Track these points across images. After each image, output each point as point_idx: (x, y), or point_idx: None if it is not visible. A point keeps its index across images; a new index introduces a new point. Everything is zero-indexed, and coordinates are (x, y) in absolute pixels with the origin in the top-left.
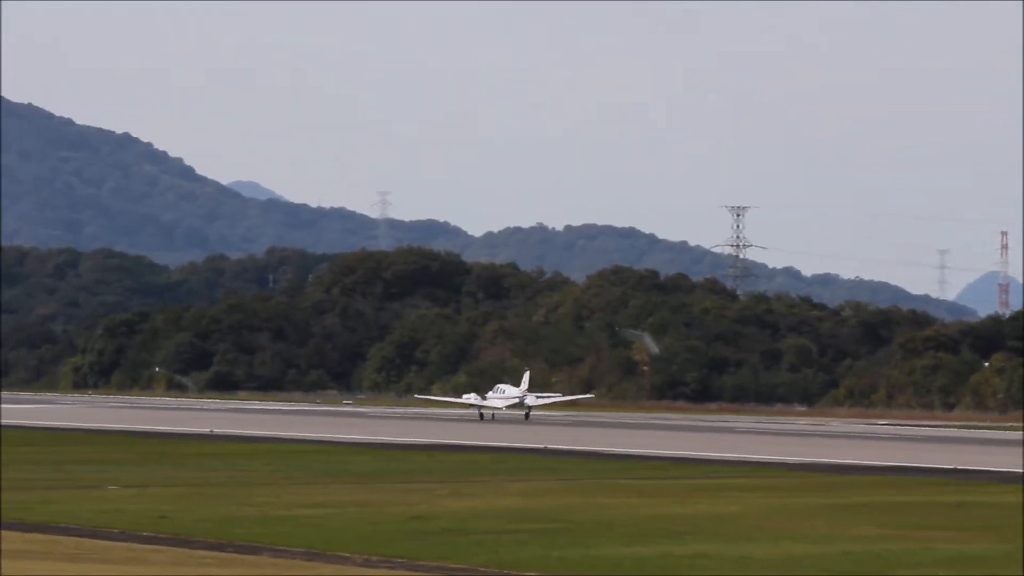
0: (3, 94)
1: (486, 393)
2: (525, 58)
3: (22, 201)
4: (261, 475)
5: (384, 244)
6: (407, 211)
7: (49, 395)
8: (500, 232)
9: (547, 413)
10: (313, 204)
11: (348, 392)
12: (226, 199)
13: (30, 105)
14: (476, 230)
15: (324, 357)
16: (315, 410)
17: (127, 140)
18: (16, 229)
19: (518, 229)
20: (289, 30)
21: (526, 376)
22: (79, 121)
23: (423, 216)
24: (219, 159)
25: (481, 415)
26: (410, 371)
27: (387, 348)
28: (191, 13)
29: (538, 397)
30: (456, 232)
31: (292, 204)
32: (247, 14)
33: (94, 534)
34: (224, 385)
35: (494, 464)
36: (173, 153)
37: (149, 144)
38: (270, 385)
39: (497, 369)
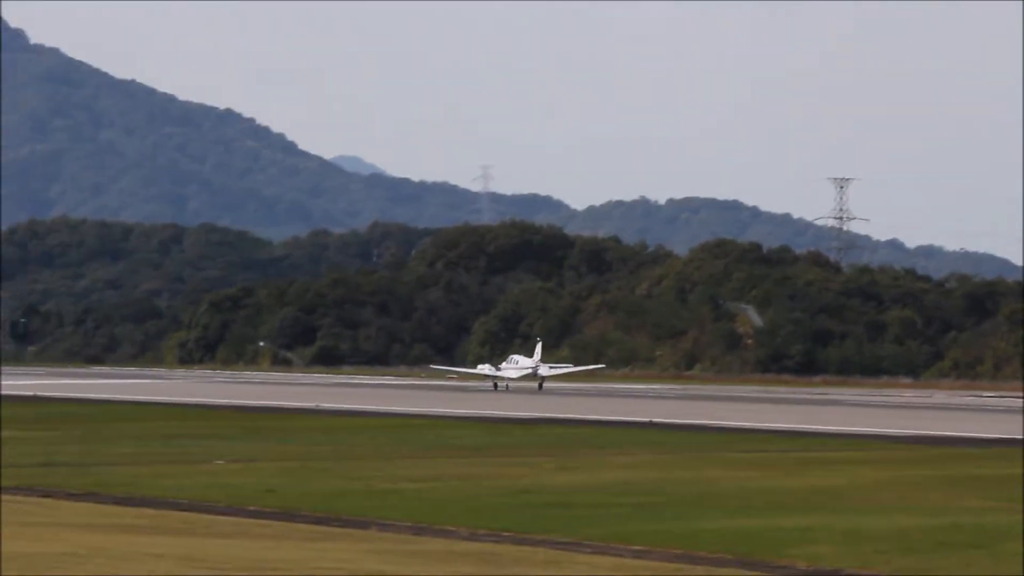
0: (107, 70)
1: (500, 364)
2: (622, 29)
3: (126, 177)
4: (366, 449)
5: (487, 218)
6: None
7: (155, 370)
8: (602, 205)
9: (649, 386)
10: (415, 179)
11: (452, 366)
12: (329, 174)
13: (133, 81)
14: (579, 204)
15: (428, 331)
16: (419, 384)
17: (229, 116)
18: (121, 205)
19: (620, 203)
20: (390, 3)
21: (538, 347)
22: (181, 97)
23: (525, 190)
24: (322, 134)
25: (495, 385)
26: (514, 345)
27: (491, 322)
28: None
29: (551, 368)
30: (558, 206)
31: (394, 179)
32: None
33: (202, 508)
34: (329, 359)
35: (598, 437)
36: (276, 128)
37: (251, 119)
38: (375, 359)
39: (600, 342)
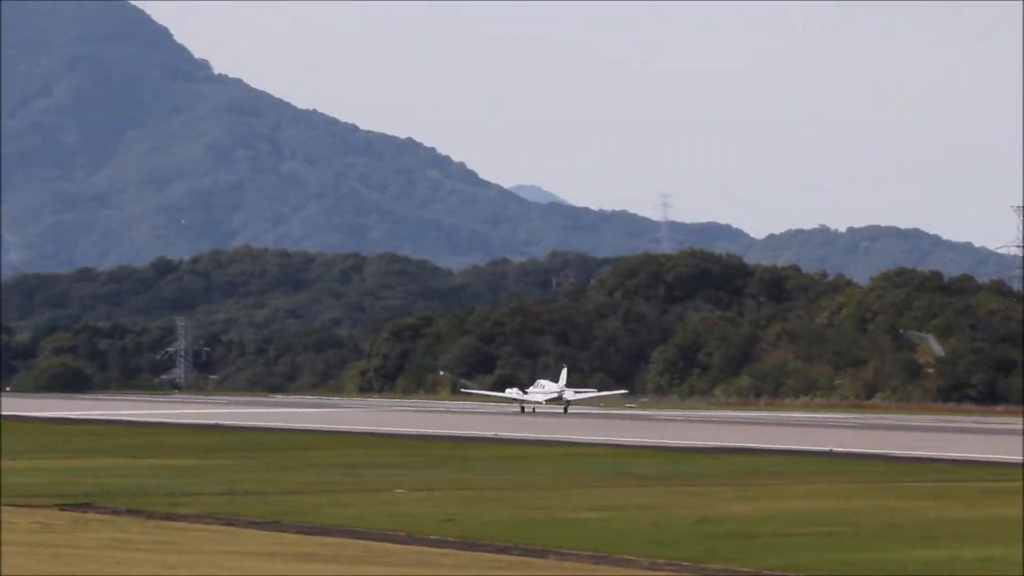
0: (290, 101)
1: (527, 389)
2: (803, 57)
3: (308, 206)
4: (546, 478)
5: (666, 247)
6: (689, 213)
7: (335, 399)
8: (782, 234)
9: (829, 415)
10: (595, 207)
11: (631, 395)
12: (508, 203)
13: (315, 111)
14: (758, 232)
15: (607, 360)
16: (597, 413)
17: (411, 145)
18: (302, 234)
19: (800, 231)
20: (570, 32)
21: (563, 373)
22: (363, 127)
23: (705, 219)
24: (502, 163)
25: (522, 408)
26: (692, 374)
27: (670, 351)
28: (472, 17)
29: (576, 392)
30: (738, 234)
31: (574, 207)
32: (525, 16)
33: (382, 537)
34: (508, 387)
35: (779, 467)
36: (456, 158)
37: (432, 149)
38: None
39: (779, 371)
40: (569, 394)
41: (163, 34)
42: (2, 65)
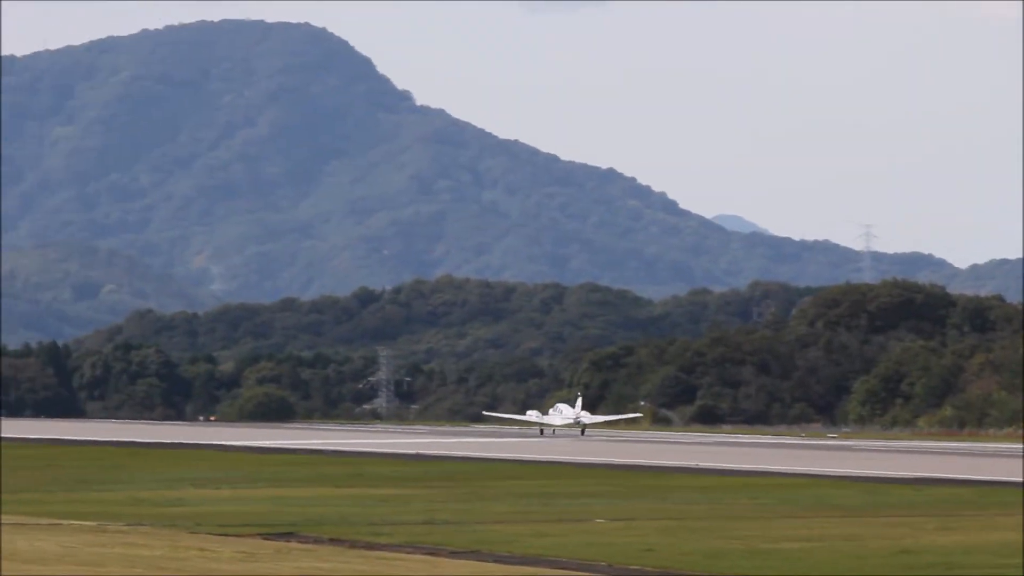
0: (492, 131)
1: (547, 411)
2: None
3: (509, 236)
4: (746, 508)
5: (868, 277)
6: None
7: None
8: (986, 264)
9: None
10: (796, 237)
11: (832, 425)
12: (709, 232)
13: (516, 141)
14: (961, 262)
15: (808, 390)
16: (799, 443)
17: (612, 175)
18: (503, 264)
19: (1004, 260)
20: (770, 65)
21: (579, 399)
22: (564, 157)
23: (907, 248)
24: (702, 193)
25: (542, 431)
26: (895, 404)
27: (872, 381)
28: (672, 51)
29: (592, 416)
30: (941, 264)
31: (775, 237)
32: (722, 50)
33: (581, 567)
34: (708, 418)
35: (982, 498)
36: (657, 188)
37: (633, 179)
38: (754, 418)
39: (984, 402)
40: (587, 418)
41: (366, 65)
42: (208, 97)
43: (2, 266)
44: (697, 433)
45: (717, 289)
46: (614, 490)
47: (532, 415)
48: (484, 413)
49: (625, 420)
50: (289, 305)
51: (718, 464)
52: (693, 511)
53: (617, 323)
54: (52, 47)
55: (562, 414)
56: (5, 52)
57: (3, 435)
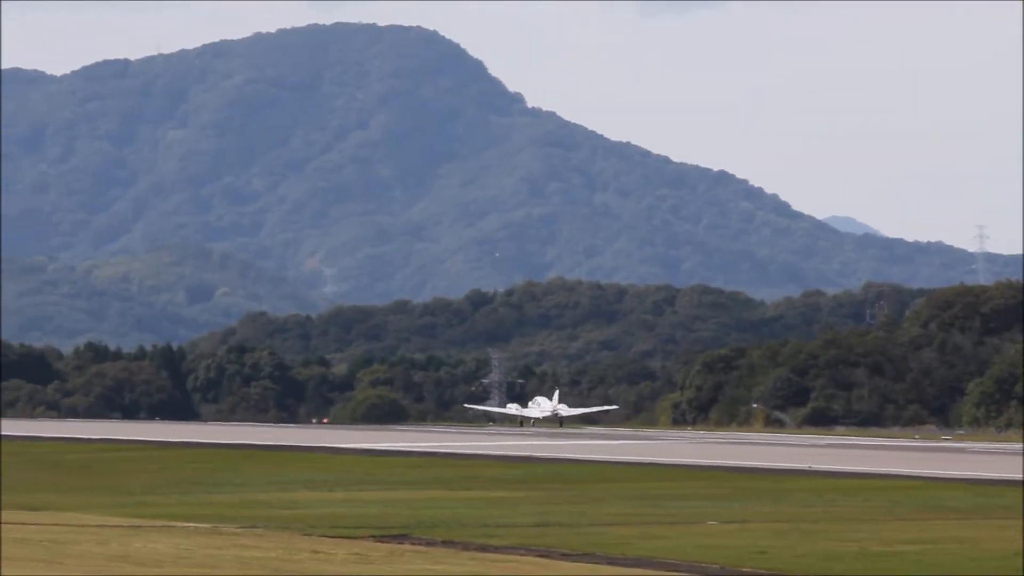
0: (602, 132)
1: (527, 404)
2: None
3: (620, 239)
4: (859, 510)
5: (982, 278)
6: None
7: (648, 431)
8: None
9: None
10: (909, 239)
11: (946, 428)
12: (822, 234)
13: (628, 143)
14: None
15: (921, 392)
16: (912, 446)
17: (723, 177)
18: (615, 266)
19: None
20: (884, 66)
21: (556, 393)
22: (676, 159)
23: (1021, 250)
24: (815, 194)
25: (521, 423)
26: (1010, 406)
27: (986, 383)
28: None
29: (568, 409)
30: None
31: (888, 239)
32: (836, 54)
33: (694, 569)
34: (821, 420)
35: None
36: (769, 189)
37: (745, 181)
38: (867, 420)
39: None
40: (564, 410)
41: (478, 68)
42: (321, 100)
43: (117, 269)
44: (810, 435)
45: (830, 291)
46: (727, 492)
47: (512, 408)
48: (466, 406)
49: (600, 412)
50: (402, 308)
51: (831, 466)
52: (807, 513)
53: (729, 325)
54: (166, 51)
55: (540, 407)
56: (120, 56)
57: (119, 438)
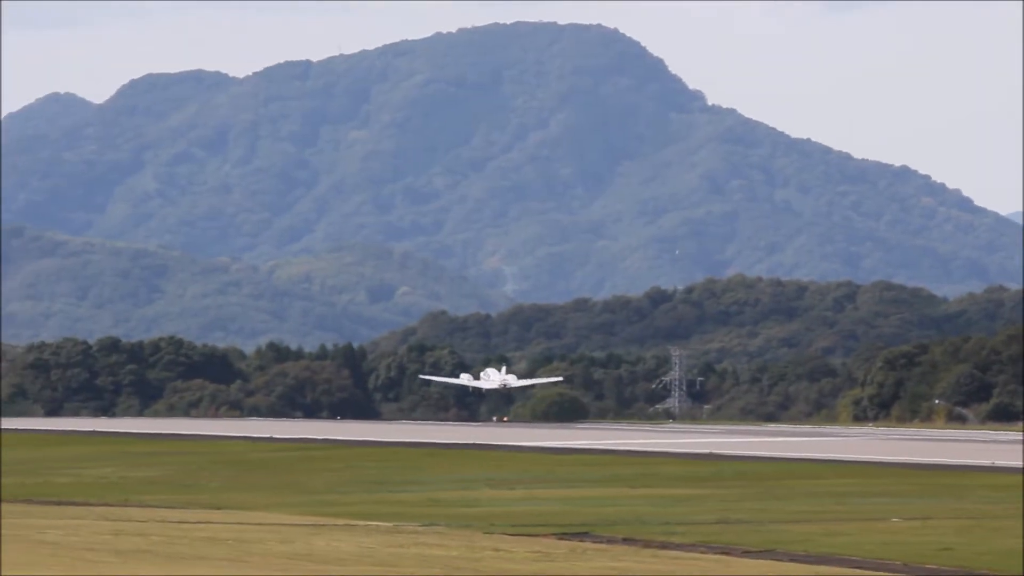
0: (784, 130)
1: (478, 375)
2: None
3: (801, 236)
4: None
5: None
6: None
7: (829, 427)
8: None
9: None
10: None
11: None
12: (1005, 230)
13: (809, 140)
14: None
15: None
16: None
17: (905, 172)
18: (795, 263)
19: None
20: None
21: (504, 366)
22: (857, 155)
23: None
24: (999, 189)
25: (472, 391)
26: None
27: None
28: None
29: (516, 380)
30: None
31: None
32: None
33: (877, 566)
34: (1005, 416)
35: None
36: (951, 185)
37: (927, 177)
38: None
39: None
40: (512, 381)
41: (658, 66)
42: (501, 99)
43: (299, 270)
44: (993, 431)
45: (1013, 287)
46: (910, 489)
47: (465, 378)
48: (421, 377)
49: (547, 384)
50: (581, 305)
51: (1016, 463)
52: (991, 510)
53: (911, 321)
54: (347, 52)
55: (490, 378)
56: (302, 57)
57: (302, 437)
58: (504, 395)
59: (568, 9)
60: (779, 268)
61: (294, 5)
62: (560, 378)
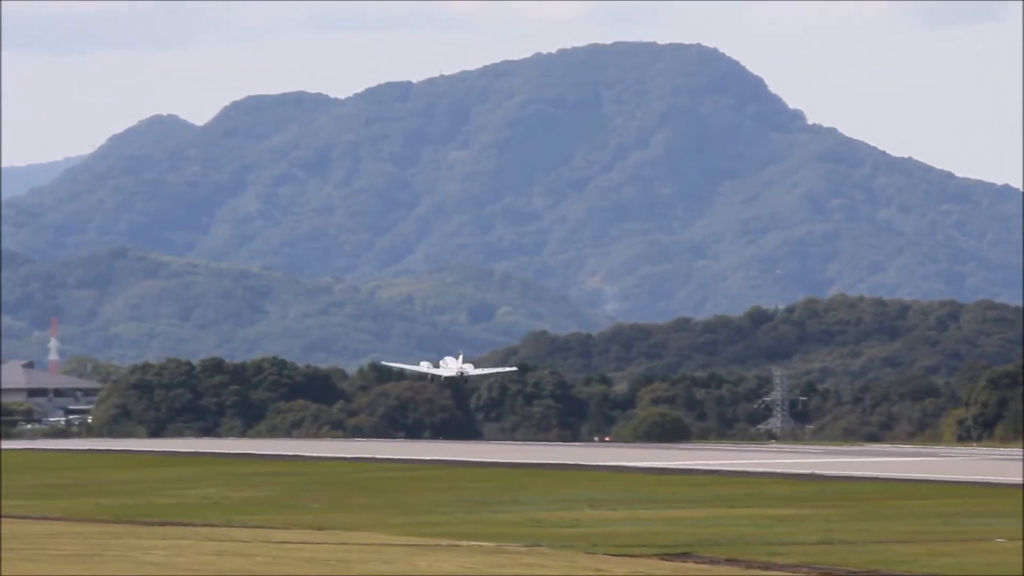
0: (884, 149)
1: (438, 362)
2: None
3: (903, 255)
4: None
5: None
6: None
7: (932, 447)
8: None
9: None
10: None
11: None
12: None
13: (910, 159)
14: None
15: None
16: None
17: (1007, 191)
18: (897, 282)
19: None
20: None
21: (461, 355)
22: (959, 174)
23: None
24: None
25: (431, 379)
26: None
27: None
28: None
29: (473, 367)
30: None
31: None
32: None
33: None
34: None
35: None
36: None
37: None
38: None
39: None
40: (469, 369)
41: (758, 85)
42: (600, 119)
43: (400, 290)
44: None
45: None
46: (1014, 509)
47: (424, 366)
48: (383, 363)
49: (502, 373)
50: (683, 325)
51: None
52: None
53: (1015, 341)
54: (447, 72)
55: (448, 366)
56: (403, 78)
57: (404, 457)
58: (460, 382)
59: (668, 29)
60: (881, 288)
61: (395, 27)
62: (514, 368)
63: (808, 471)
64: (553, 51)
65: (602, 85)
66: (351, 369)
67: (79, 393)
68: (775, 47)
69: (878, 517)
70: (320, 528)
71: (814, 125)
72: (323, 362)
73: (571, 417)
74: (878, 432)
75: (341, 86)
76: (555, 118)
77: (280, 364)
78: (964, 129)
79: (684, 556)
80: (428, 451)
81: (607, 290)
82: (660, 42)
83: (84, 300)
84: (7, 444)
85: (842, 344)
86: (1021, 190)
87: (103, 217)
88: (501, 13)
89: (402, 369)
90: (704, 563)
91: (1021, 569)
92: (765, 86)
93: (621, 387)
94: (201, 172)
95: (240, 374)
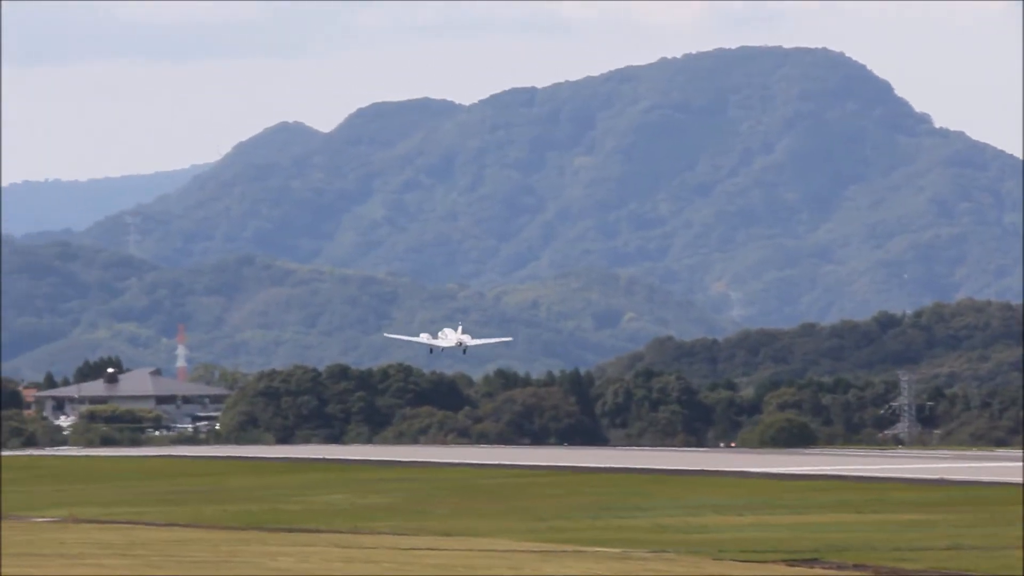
0: (1013, 152)
1: (437, 334)
2: None
3: None
4: None
5: None
6: None
7: None
8: None
9: None
10: None
11: None
12: None
13: None
14: None
15: None
16: None
17: None
18: None
19: None
20: None
21: (460, 327)
22: None
23: None
24: None
25: (431, 350)
26: None
27: None
28: None
29: (472, 339)
30: None
31: None
32: None
33: None
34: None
35: None
36: None
37: None
38: None
39: None
40: (468, 340)
41: (884, 88)
42: (726, 124)
43: (526, 296)
44: None
45: None
46: None
47: (424, 337)
48: (385, 335)
49: (497, 343)
50: (809, 330)
51: None
52: None
53: None
54: (572, 78)
55: (447, 337)
56: (527, 84)
57: (530, 464)
58: (461, 352)
59: (793, 33)
60: (1009, 292)
61: (519, 32)
62: (509, 338)
63: (936, 476)
64: (678, 56)
65: (728, 90)
66: (477, 375)
67: (207, 400)
68: (902, 50)
69: (1007, 522)
70: (447, 534)
71: (941, 128)
72: (449, 368)
73: (697, 423)
74: (1006, 437)
75: (466, 92)
76: (680, 123)
77: (406, 370)
78: None
79: (812, 562)
80: (553, 457)
81: (733, 295)
82: (786, 46)
83: (211, 307)
84: (136, 451)
85: (970, 348)
86: None
87: (229, 224)
88: (623, 16)
89: (405, 340)
90: (832, 568)
91: None
92: (892, 89)
93: (747, 392)
94: (326, 179)
95: (366, 380)
